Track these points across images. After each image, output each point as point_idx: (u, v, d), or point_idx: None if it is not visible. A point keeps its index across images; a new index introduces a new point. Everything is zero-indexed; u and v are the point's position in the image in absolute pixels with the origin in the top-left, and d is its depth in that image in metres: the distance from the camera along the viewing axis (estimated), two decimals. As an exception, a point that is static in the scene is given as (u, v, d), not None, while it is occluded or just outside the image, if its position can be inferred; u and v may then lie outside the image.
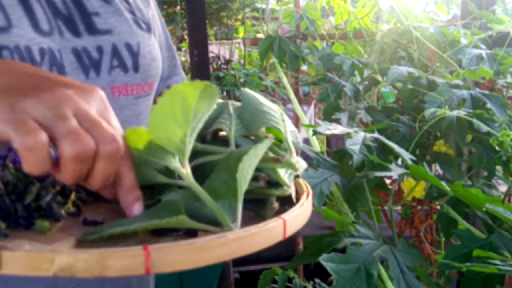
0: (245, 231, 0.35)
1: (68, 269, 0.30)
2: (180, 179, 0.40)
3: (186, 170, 0.38)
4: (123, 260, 0.30)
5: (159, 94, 0.85)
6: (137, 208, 0.40)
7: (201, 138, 0.45)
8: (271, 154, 0.43)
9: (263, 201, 0.42)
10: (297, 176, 0.47)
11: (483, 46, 1.02)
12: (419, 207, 1.04)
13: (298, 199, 0.44)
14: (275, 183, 0.43)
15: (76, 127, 0.37)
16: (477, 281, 0.60)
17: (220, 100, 0.46)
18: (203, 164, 0.43)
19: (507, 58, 0.95)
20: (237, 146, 0.45)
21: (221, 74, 2.27)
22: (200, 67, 1.55)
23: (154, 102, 0.80)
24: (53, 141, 0.37)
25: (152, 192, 0.44)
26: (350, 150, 0.67)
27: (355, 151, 0.67)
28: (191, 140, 0.37)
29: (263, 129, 0.48)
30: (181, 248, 0.31)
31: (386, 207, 0.99)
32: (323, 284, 1.22)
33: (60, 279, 0.60)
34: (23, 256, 0.30)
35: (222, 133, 0.48)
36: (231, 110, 0.47)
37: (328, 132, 0.68)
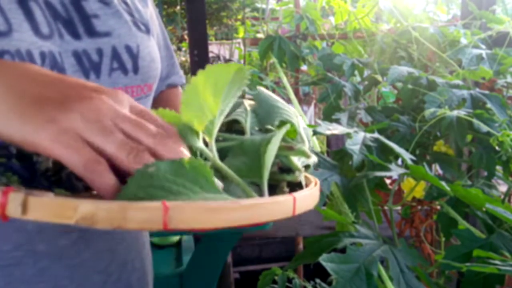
0: (258, 199, 0.37)
1: (90, 218, 0.31)
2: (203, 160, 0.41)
3: (212, 150, 0.39)
4: (143, 212, 0.31)
5: (159, 93, 0.85)
6: None
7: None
8: (284, 143, 0.44)
9: (273, 186, 0.43)
10: (307, 167, 0.48)
11: (483, 46, 1.02)
12: (419, 207, 1.04)
13: (306, 185, 0.46)
14: (287, 169, 0.45)
15: (125, 141, 0.37)
16: (477, 281, 0.60)
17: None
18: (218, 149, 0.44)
19: (507, 58, 0.95)
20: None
21: (221, 74, 2.27)
22: (200, 67, 1.54)
23: (153, 101, 0.81)
24: (106, 156, 0.37)
25: None
26: (350, 150, 0.67)
27: (355, 151, 0.67)
28: (218, 122, 0.39)
29: (277, 124, 0.49)
30: (197, 206, 0.33)
31: (386, 207, 0.99)
32: (323, 284, 1.22)
33: (61, 281, 0.61)
34: (49, 202, 0.31)
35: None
36: (247, 106, 0.49)
37: (328, 132, 0.68)
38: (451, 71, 1.06)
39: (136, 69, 0.69)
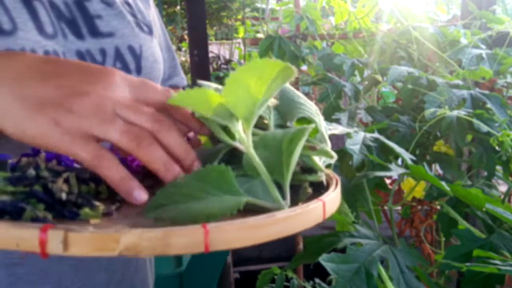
0: (291, 211, 0.36)
1: (134, 248, 0.31)
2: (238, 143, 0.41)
3: (248, 138, 0.39)
4: (185, 238, 0.32)
5: None
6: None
7: None
8: (307, 143, 0.44)
9: (295, 186, 0.43)
10: (328, 166, 0.48)
11: (483, 46, 1.02)
12: (419, 207, 1.04)
13: (327, 186, 0.46)
14: (309, 169, 0.45)
15: (126, 128, 0.39)
16: (477, 281, 0.60)
17: None
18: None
19: (507, 58, 0.95)
20: None
21: (221, 74, 2.27)
22: (200, 67, 1.55)
23: None
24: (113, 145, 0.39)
25: None
26: (350, 150, 0.67)
27: (355, 151, 0.67)
28: (257, 113, 0.39)
29: (297, 119, 0.49)
30: (236, 226, 0.33)
31: (386, 207, 0.99)
32: (323, 284, 1.22)
33: (64, 280, 0.61)
34: (90, 237, 0.31)
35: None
36: (269, 103, 0.48)
37: (328, 132, 0.68)
38: (451, 71, 1.06)
39: (139, 70, 0.70)
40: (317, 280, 1.25)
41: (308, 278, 1.36)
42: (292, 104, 0.48)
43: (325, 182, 0.46)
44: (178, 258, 1.67)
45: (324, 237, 0.64)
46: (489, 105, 0.81)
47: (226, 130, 0.42)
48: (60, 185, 0.39)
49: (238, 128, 0.39)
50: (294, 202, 0.41)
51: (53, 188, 0.38)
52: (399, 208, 1.04)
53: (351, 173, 0.71)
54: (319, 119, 0.48)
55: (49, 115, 0.38)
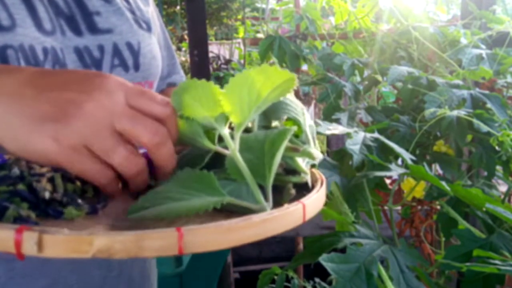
0: (268, 214, 0.36)
1: (107, 251, 0.31)
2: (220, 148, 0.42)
3: (235, 141, 0.39)
4: (159, 241, 0.32)
5: (159, 91, 0.85)
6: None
7: None
8: (289, 144, 0.44)
9: (279, 187, 0.43)
10: (313, 166, 0.48)
11: (483, 46, 1.02)
12: (419, 207, 1.04)
13: (313, 186, 0.46)
14: (293, 171, 0.45)
15: (127, 156, 0.41)
16: (477, 281, 0.60)
17: None
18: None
19: (507, 58, 0.95)
20: None
21: (221, 74, 2.27)
22: (200, 67, 1.55)
23: None
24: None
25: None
26: (350, 150, 0.67)
27: (355, 151, 0.67)
28: (251, 118, 0.39)
29: (279, 122, 0.49)
30: (211, 229, 0.33)
31: (386, 207, 0.99)
32: (323, 284, 1.22)
33: (62, 275, 0.61)
34: (64, 239, 0.31)
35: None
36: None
37: (328, 132, 0.68)
38: (451, 71, 1.06)
39: (137, 66, 0.70)
40: (317, 280, 1.25)
41: (308, 278, 1.36)
42: (277, 104, 0.48)
43: (310, 183, 0.46)
44: (178, 258, 1.67)
45: (324, 237, 0.64)
46: (489, 105, 0.81)
47: (208, 134, 0.42)
48: (44, 184, 0.39)
49: (226, 131, 0.40)
50: (277, 203, 0.41)
51: (37, 187, 0.39)
52: (399, 208, 1.04)
53: (351, 173, 0.71)
54: (304, 119, 0.48)
55: (48, 131, 0.39)
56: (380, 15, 1.25)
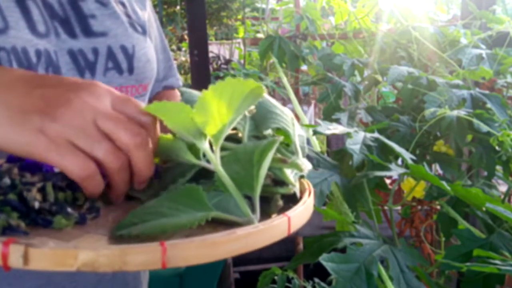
0: (253, 227, 0.37)
1: (91, 265, 0.32)
2: (204, 162, 0.42)
3: (215, 155, 0.40)
4: (142, 255, 0.32)
5: (155, 94, 0.85)
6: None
7: None
8: (278, 155, 0.45)
9: (267, 198, 0.44)
10: (302, 177, 0.49)
11: (483, 46, 1.02)
12: (419, 207, 1.04)
13: (301, 197, 0.46)
14: (281, 182, 0.45)
15: (110, 150, 0.41)
16: (477, 281, 0.60)
17: None
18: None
19: (507, 58, 0.95)
20: None
21: (221, 74, 2.27)
22: (200, 67, 1.55)
23: (149, 102, 0.81)
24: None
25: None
26: (350, 150, 0.67)
27: (355, 150, 0.67)
28: (226, 131, 0.40)
29: (271, 131, 0.50)
30: (195, 244, 0.33)
31: (386, 207, 0.99)
32: (322, 284, 1.22)
33: (55, 277, 0.61)
34: (49, 253, 0.32)
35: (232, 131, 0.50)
36: (246, 112, 0.49)
37: (328, 132, 0.68)
38: (451, 71, 1.06)
39: (131, 69, 0.70)
40: (317, 280, 1.25)
41: (308, 278, 1.36)
42: (268, 115, 0.48)
43: (298, 194, 0.46)
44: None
45: (324, 237, 0.64)
46: (489, 105, 0.81)
47: (192, 148, 0.43)
48: (34, 194, 0.39)
49: (206, 146, 0.40)
50: (265, 214, 0.42)
51: (27, 197, 0.39)
52: (399, 208, 1.04)
53: (351, 173, 0.71)
54: (294, 129, 0.49)
55: (34, 123, 0.40)
56: (380, 15, 1.25)
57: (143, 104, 0.45)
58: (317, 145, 0.83)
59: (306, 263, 0.65)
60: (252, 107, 0.51)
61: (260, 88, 0.39)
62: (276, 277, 1.21)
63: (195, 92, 0.51)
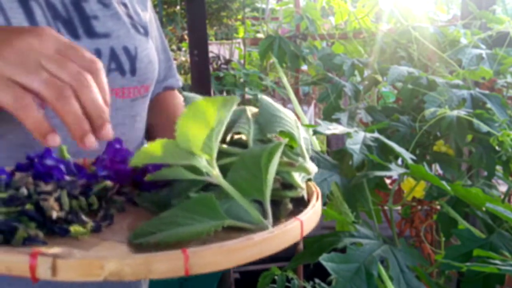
0: (269, 232, 0.38)
1: (117, 274, 0.33)
2: (207, 176, 0.43)
3: (214, 169, 0.41)
4: (166, 263, 0.33)
5: (155, 95, 0.85)
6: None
7: (221, 141, 0.47)
8: (285, 159, 0.46)
9: (277, 202, 0.44)
10: (309, 180, 0.49)
11: (483, 46, 1.02)
12: (419, 207, 1.04)
13: (308, 200, 0.47)
14: (289, 185, 0.46)
15: (48, 80, 0.42)
16: (477, 281, 0.60)
17: (238, 107, 0.49)
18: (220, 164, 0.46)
19: (507, 58, 0.95)
20: None
21: (221, 74, 2.27)
22: (200, 67, 1.54)
23: (150, 103, 0.81)
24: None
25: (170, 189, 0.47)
26: (350, 150, 0.67)
27: (355, 150, 0.67)
28: (216, 142, 0.41)
29: (276, 133, 0.50)
30: (214, 251, 0.35)
31: (386, 207, 0.99)
32: (322, 284, 1.22)
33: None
34: (76, 264, 0.33)
35: (237, 136, 0.51)
36: (249, 115, 0.50)
37: (328, 132, 0.68)
38: (451, 71, 1.06)
39: (133, 71, 0.70)
40: (317, 280, 1.25)
41: (308, 278, 1.36)
42: (272, 118, 0.49)
43: (306, 197, 0.47)
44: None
45: (324, 237, 0.64)
46: (489, 105, 0.81)
47: (192, 168, 0.43)
48: (52, 203, 0.40)
49: (204, 163, 0.41)
50: (275, 218, 0.42)
51: (44, 206, 0.40)
52: (399, 208, 1.04)
53: (351, 173, 0.71)
54: (298, 132, 0.49)
55: None
56: (380, 15, 1.25)
57: (89, 53, 0.46)
58: (317, 145, 0.83)
59: (306, 263, 0.65)
60: (255, 110, 0.51)
61: (229, 99, 0.41)
62: (276, 277, 1.21)
63: (198, 97, 0.51)
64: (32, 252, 0.33)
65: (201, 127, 0.40)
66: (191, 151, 0.40)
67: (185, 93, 0.52)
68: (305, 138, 0.50)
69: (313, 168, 0.47)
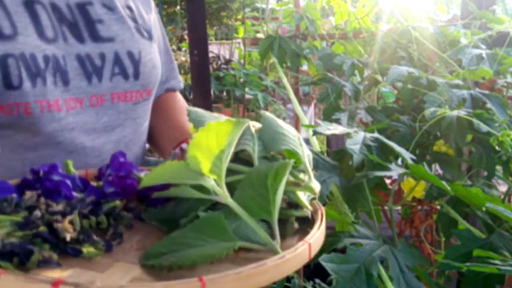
0: (281, 257, 0.39)
1: None
2: (215, 195, 0.44)
3: (223, 189, 0.42)
4: None
5: (157, 97, 0.86)
6: None
7: None
8: (291, 178, 0.47)
9: (282, 221, 0.45)
10: (313, 199, 0.50)
11: (483, 46, 1.02)
12: (419, 207, 1.04)
13: (312, 217, 0.48)
14: (295, 205, 0.47)
15: None
16: (477, 281, 0.60)
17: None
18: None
19: (507, 58, 0.95)
20: None
21: (221, 74, 2.26)
22: (200, 67, 1.54)
23: (153, 105, 0.81)
24: None
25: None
26: (350, 150, 0.67)
27: (355, 150, 0.67)
28: (225, 164, 0.42)
29: (280, 151, 0.51)
30: (230, 277, 0.36)
31: (386, 207, 0.99)
32: (322, 284, 1.22)
33: None
34: None
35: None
36: (253, 131, 0.51)
37: (328, 132, 0.68)
38: (451, 71, 1.05)
39: (137, 75, 0.70)
40: (317, 280, 1.25)
41: (308, 278, 1.35)
42: (276, 136, 0.50)
43: (310, 215, 0.48)
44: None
45: (324, 237, 0.64)
46: (489, 105, 0.81)
47: (200, 187, 0.44)
48: (66, 225, 0.40)
49: (212, 183, 0.42)
50: (281, 237, 0.43)
51: (58, 229, 0.40)
52: (399, 208, 1.04)
53: (351, 173, 0.71)
54: (302, 150, 0.50)
55: None
56: (380, 15, 1.25)
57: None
58: (317, 145, 0.83)
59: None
60: (258, 125, 0.52)
61: (241, 121, 0.42)
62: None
63: (201, 112, 0.53)
64: (55, 281, 0.33)
65: (212, 149, 0.40)
66: (201, 172, 0.41)
67: (189, 108, 0.53)
68: (308, 155, 0.51)
69: (317, 186, 0.48)
